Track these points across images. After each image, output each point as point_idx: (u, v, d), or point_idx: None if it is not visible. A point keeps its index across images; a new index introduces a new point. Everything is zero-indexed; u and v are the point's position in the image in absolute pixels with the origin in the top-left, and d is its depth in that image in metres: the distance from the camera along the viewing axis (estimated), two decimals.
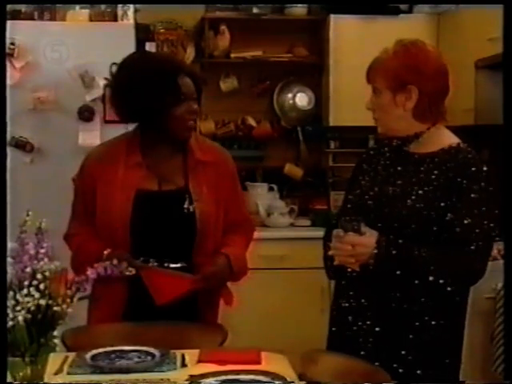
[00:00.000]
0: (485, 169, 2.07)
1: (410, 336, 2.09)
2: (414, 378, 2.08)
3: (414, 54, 2.09)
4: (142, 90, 2.28)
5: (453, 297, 2.10)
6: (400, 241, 2.03)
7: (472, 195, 2.03)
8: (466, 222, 2.02)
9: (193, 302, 2.37)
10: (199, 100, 2.41)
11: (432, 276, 2.01)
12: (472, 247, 2.02)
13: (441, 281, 2.02)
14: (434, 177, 2.08)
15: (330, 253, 2.09)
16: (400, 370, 2.07)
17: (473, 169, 2.06)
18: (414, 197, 2.08)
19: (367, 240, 2.03)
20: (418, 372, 2.08)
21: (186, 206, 2.33)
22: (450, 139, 2.14)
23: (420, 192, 2.08)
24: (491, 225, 2.04)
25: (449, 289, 2.03)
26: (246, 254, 2.54)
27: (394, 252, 2.02)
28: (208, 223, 2.35)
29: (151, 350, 2.09)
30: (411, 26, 4.44)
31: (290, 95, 4.78)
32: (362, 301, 2.13)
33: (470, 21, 4.11)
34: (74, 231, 2.45)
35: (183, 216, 2.33)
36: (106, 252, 2.28)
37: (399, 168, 2.16)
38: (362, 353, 2.11)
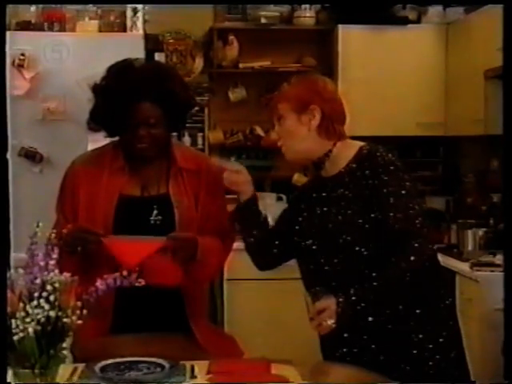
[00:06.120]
0: (393, 162, 2.12)
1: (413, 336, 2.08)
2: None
3: (312, 80, 2.27)
4: (100, 108, 2.41)
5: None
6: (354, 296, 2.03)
7: (388, 189, 2.08)
8: (391, 214, 2.06)
9: (180, 312, 2.36)
10: (172, 120, 2.37)
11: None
12: (406, 237, 2.04)
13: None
14: (356, 191, 2.13)
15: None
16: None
17: (381, 166, 2.11)
18: (349, 224, 2.11)
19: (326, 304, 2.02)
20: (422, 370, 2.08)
21: (166, 211, 2.35)
22: (355, 148, 2.20)
23: (352, 215, 2.11)
24: (416, 208, 2.08)
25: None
26: (219, 262, 2.49)
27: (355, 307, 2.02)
28: (187, 229, 2.35)
29: (160, 361, 2.09)
30: (420, 36, 4.44)
31: None
32: None
33: (478, 31, 4.10)
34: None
35: (164, 221, 2.35)
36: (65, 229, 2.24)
37: (323, 197, 2.21)
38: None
